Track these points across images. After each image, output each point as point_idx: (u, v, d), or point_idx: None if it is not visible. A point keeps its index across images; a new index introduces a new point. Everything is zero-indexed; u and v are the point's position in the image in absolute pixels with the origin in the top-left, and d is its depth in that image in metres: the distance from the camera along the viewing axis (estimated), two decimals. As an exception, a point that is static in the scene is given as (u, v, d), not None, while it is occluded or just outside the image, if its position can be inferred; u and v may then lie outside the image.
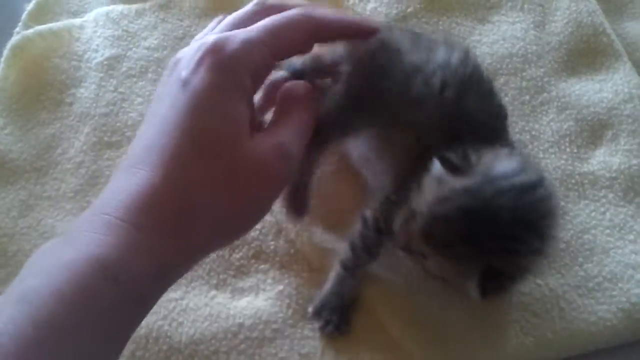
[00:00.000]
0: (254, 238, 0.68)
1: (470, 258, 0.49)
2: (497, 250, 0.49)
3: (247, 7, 0.53)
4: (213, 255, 0.67)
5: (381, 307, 0.62)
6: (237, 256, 0.67)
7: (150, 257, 0.40)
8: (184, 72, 0.45)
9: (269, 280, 0.66)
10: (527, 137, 0.71)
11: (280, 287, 0.65)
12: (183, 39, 0.81)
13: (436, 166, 0.50)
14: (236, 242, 0.68)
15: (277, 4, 0.52)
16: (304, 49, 0.52)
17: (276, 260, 0.67)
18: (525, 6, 0.80)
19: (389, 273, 0.63)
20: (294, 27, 0.49)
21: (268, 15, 0.50)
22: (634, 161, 0.68)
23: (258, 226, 0.68)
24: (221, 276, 0.66)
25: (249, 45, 0.46)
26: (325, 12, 0.51)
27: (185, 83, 0.44)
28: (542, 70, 0.75)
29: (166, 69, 0.49)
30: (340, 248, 0.63)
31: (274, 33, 0.47)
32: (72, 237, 0.39)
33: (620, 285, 0.62)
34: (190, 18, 0.83)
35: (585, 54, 0.77)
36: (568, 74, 0.76)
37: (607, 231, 0.65)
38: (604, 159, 0.69)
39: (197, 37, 0.54)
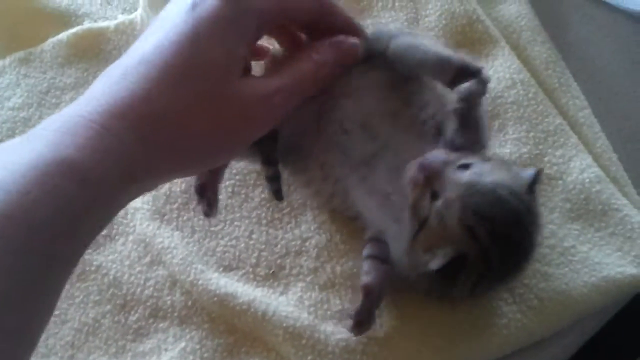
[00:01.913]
0: (148, 296, 0.64)
1: (473, 239, 0.50)
2: (495, 255, 0.50)
3: None
4: (108, 322, 0.63)
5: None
6: (134, 318, 0.63)
7: (121, 164, 0.40)
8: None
9: (170, 339, 0.62)
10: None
11: (183, 344, 0.62)
12: (48, 92, 0.76)
13: (530, 172, 0.54)
14: (131, 303, 0.64)
15: None
16: (309, 16, 0.52)
17: (175, 316, 0.63)
18: (397, 4, 0.77)
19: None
20: None
21: None
22: (524, 149, 0.67)
23: (151, 282, 0.65)
24: (119, 343, 0.63)
25: None
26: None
27: (194, 6, 0.43)
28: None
29: None
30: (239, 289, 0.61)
31: None
32: (38, 136, 0.38)
33: (526, 281, 0.61)
34: (53, 69, 0.78)
35: (463, 44, 0.75)
36: (448, 68, 0.73)
37: (507, 226, 0.63)
38: (495, 151, 0.67)
39: None
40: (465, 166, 0.52)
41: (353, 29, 0.54)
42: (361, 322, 0.57)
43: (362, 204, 0.60)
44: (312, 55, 0.51)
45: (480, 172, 0.51)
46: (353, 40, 0.53)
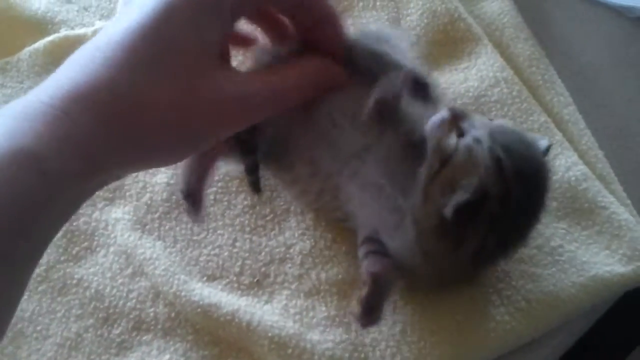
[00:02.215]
0: (131, 308, 0.63)
1: (499, 174, 0.49)
2: (515, 196, 0.50)
3: None
4: (91, 336, 0.62)
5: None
6: (117, 332, 0.62)
7: (82, 151, 0.37)
8: None
9: (154, 352, 0.61)
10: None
11: (167, 357, 0.61)
12: (26, 103, 0.74)
13: (543, 143, 0.55)
14: (113, 316, 0.63)
15: None
16: (289, 7, 0.50)
17: (158, 328, 0.62)
18: (378, 4, 0.76)
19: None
20: None
21: None
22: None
23: (134, 294, 0.64)
24: (103, 357, 0.62)
25: None
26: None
27: None
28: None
29: None
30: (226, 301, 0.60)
31: None
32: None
33: (513, 283, 0.60)
34: (30, 78, 0.77)
35: (445, 43, 0.74)
36: (431, 68, 0.73)
37: (493, 227, 0.63)
38: (479, 151, 0.66)
39: None
40: (490, 120, 0.54)
41: (333, 21, 0.52)
42: (371, 309, 0.53)
43: (355, 200, 0.58)
44: (300, 69, 0.49)
45: (505, 122, 0.53)
46: (338, 69, 0.52)
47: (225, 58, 0.44)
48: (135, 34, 0.40)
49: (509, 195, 0.50)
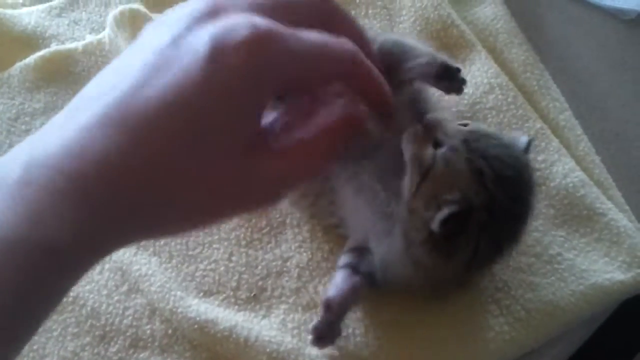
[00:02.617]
0: (127, 325, 0.62)
1: (481, 183, 0.49)
2: (500, 202, 0.50)
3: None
4: (88, 355, 0.62)
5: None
6: (114, 349, 0.62)
7: (95, 245, 0.34)
8: (212, 43, 0.36)
9: (152, 369, 0.60)
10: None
11: (165, 374, 0.60)
12: (17, 119, 0.74)
13: (524, 139, 0.55)
14: (110, 334, 0.62)
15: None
16: (325, 84, 0.45)
17: (155, 345, 0.62)
18: (370, 11, 0.76)
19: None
20: (339, 61, 0.41)
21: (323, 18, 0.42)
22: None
23: (130, 311, 0.63)
24: (100, 376, 0.61)
25: (299, 59, 0.39)
26: (371, 66, 0.43)
27: (212, 58, 0.35)
28: (398, 76, 0.71)
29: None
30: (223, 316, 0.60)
31: (322, 54, 0.40)
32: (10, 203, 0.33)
33: (512, 292, 0.59)
34: (21, 94, 0.76)
35: (438, 50, 0.73)
36: (425, 76, 0.72)
37: (491, 236, 0.62)
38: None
39: None
40: (463, 125, 0.53)
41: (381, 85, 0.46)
42: (320, 337, 0.56)
43: (349, 204, 0.59)
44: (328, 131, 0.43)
45: (480, 126, 0.52)
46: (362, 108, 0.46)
47: (258, 138, 0.40)
48: (162, 110, 0.35)
49: (493, 202, 0.49)
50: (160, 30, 0.39)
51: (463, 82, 0.56)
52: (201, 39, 0.36)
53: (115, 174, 0.34)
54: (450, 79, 0.56)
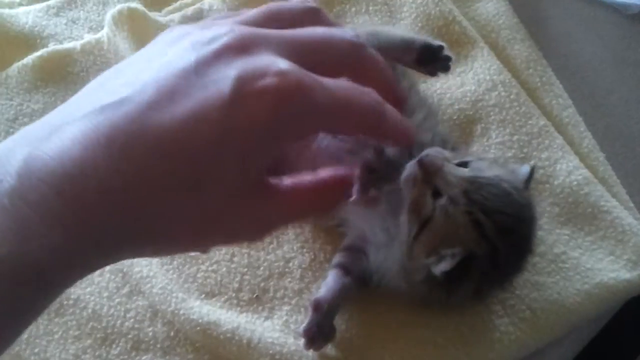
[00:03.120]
0: (129, 328, 0.62)
1: (482, 235, 0.49)
2: (502, 250, 0.49)
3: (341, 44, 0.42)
4: (89, 358, 0.61)
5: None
6: (116, 352, 0.61)
7: (81, 267, 0.34)
8: (237, 83, 0.34)
9: (154, 372, 0.60)
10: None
11: (167, 377, 0.59)
12: (16, 120, 0.74)
13: (525, 168, 0.54)
14: (112, 336, 0.62)
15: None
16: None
17: (157, 347, 0.61)
18: (370, 8, 0.75)
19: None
20: (363, 114, 0.40)
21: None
22: (509, 153, 0.65)
23: (132, 313, 0.63)
24: (102, 379, 0.60)
25: (323, 114, 0.37)
26: (394, 113, 0.42)
27: (234, 100, 0.34)
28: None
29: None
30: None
31: (346, 109, 0.39)
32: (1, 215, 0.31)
33: (517, 292, 0.59)
34: (20, 95, 0.75)
35: (440, 47, 0.72)
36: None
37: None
38: (479, 157, 0.65)
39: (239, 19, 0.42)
40: (464, 164, 0.51)
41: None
42: (312, 338, 0.56)
43: (351, 209, 0.58)
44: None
45: (480, 168, 0.50)
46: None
47: (262, 181, 0.39)
48: (173, 143, 0.34)
49: (495, 251, 0.49)
50: (183, 46, 0.37)
51: (448, 59, 0.56)
52: (226, 76, 0.34)
53: (114, 204, 0.33)
54: (434, 60, 0.55)
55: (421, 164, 0.50)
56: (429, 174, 0.50)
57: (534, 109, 0.67)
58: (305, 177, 0.42)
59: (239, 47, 0.36)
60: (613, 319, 0.61)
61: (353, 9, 0.75)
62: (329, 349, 0.58)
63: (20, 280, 0.32)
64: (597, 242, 0.61)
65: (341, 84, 0.39)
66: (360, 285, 0.59)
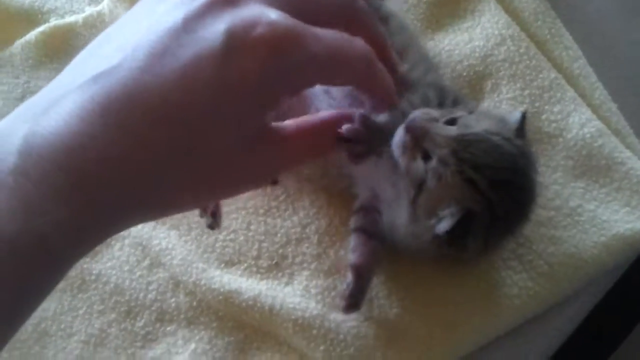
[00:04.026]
0: (152, 300, 0.63)
1: (476, 191, 0.48)
2: (499, 204, 0.49)
3: None
4: (115, 331, 0.62)
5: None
6: (141, 324, 0.62)
7: (89, 239, 0.35)
8: (228, 37, 0.34)
9: (180, 341, 0.61)
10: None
11: (193, 346, 0.61)
12: (24, 98, 0.73)
13: (515, 115, 0.53)
14: (135, 309, 0.63)
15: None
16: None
17: (181, 318, 0.62)
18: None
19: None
20: (354, 64, 0.40)
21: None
22: (521, 108, 0.65)
23: (154, 285, 0.63)
24: (129, 351, 0.62)
25: (315, 63, 0.37)
26: (381, 71, 0.42)
27: (226, 55, 0.34)
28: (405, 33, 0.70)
29: None
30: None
31: (337, 58, 0.39)
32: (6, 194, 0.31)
33: (534, 247, 0.59)
34: (26, 72, 0.75)
35: (446, 3, 0.72)
36: (433, 30, 0.71)
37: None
38: (490, 113, 0.65)
39: None
40: (452, 121, 0.51)
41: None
42: (355, 303, 0.56)
43: (359, 167, 0.58)
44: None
45: (468, 124, 0.50)
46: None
47: (262, 130, 0.39)
48: (167, 104, 0.33)
49: (492, 205, 0.49)
50: (171, 3, 0.36)
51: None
52: (216, 30, 0.34)
53: (116, 171, 0.33)
54: None
55: (408, 129, 0.50)
56: (417, 138, 0.50)
57: (544, 62, 0.67)
58: (307, 119, 0.42)
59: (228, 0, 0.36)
60: (629, 269, 0.61)
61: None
62: (350, 320, 0.58)
63: (30, 256, 0.32)
64: (612, 193, 0.61)
65: (333, 34, 0.39)
66: (384, 243, 0.59)
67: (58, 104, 0.33)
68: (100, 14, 0.75)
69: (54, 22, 0.76)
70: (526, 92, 0.65)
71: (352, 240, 0.59)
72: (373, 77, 0.42)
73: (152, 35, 0.34)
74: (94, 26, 0.75)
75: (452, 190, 0.49)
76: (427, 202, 0.50)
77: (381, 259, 0.59)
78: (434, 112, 0.52)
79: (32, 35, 0.75)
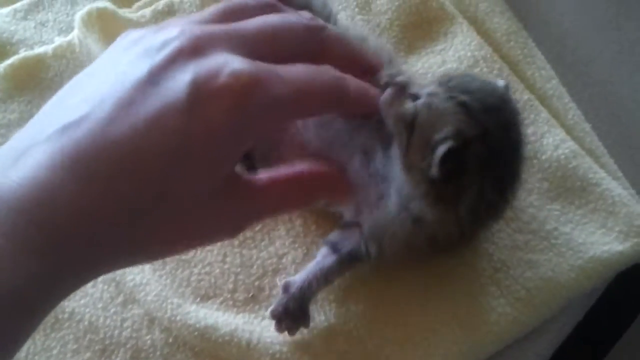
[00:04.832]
0: (127, 337, 0.62)
1: (469, 115, 0.47)
2: (493, 130, 0.48)
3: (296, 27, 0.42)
4: (89, 370, 0.61)
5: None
6: (116, 362, 0.61)
7: (60, 290, 0.35)
8: (193, 88, 0.34)
9: (156, 379, 0.60)
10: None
11: (169, 383, 0.59)
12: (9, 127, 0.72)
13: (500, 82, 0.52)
14: (110, 347, 0.61)
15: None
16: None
17: (157, 355, 0.61)
18: (345, -9, 0.73)
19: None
20: (324, 95, 0.40)
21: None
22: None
23: (128, 322, 0.62)
24: (105, 391, 0.60)
25: (282, 105, 0.37)
26: (358, 83, 0.43)
27: (191, 106, 0.34)
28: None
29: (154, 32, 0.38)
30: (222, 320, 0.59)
31: (306, 95, 0.39)
32: None
33: (511, 272, 0.59)
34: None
35: (419, 25, 0.71)
36: (406, 53, 0.70)
37: (486, 215, 0.61)
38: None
39: (195, 17, 0.41)
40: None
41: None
42: (278, 319, 0.57)
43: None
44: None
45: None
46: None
47: (230, 179, 0.39)
48: (134, 155, 0.34)
49: (486, 132, 0.48)
50: (136, 54, 0.37)
51: None
52: (181, 81, 0.34)
53: (87, 222, 0.33)
54: None
55: (392, 83, 0.49)
56: (403, 87, 0.49)
57: (517, 83, 0.67)
58: (281, 171, 0.42)
59: (191, 50, 0.36)
60: (607, 290, 0.61)
61: (326, -7, 0.73)
62: (332, 340, 0.57)
63: (4, 308, 0.32)
64: (587, 215, 0.61)
65: (297, 72, 0.39)
66: (350, 263, 0.58)
67: (27, 155, 0.33)
68: (70, 44, 0.74)
69: (23, 53, 0.75)
70: (500, 113, 0.65)
71: (318, 254, 0.59)
72: (348, 102, 0.42)
73: (119, 86, 0.35)
74: (64, 57, 0.74)
75: (445, 117, 0.47)
76: (420, 138, 0.48)
77: (332, 277, 0.58)
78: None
79: (1, 67, 0.74)
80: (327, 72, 0.41)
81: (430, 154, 0.48)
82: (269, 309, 0.57)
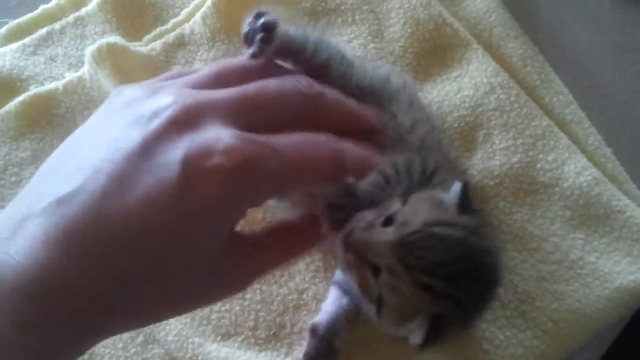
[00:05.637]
0: (148, 379, 0.61)
1: (436, 295, 0.46)
2: (464, 296, 0.47)
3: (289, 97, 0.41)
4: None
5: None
6: (137, 404, 0.60)
7: (64, 357, 0.35)
8: (185, 165, 0.34)
9: (180, 422, 0.59)
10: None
11: None
12: (6, 170, 0.71)
13: (454, 189, 0.49)
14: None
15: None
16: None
17: (180, 397, 0.60)
18: (357, 17, 0.73)
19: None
20: (320, 168, 0.40)
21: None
22: (514, 158, 0.64)
23: (150, 363, 0.61)
24: None
25: (277, 179, 0.37)
26: (356, 153, 0.42)
27: (184, 183, 0.34)
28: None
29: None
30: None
31: (300, 169, 0.39)
32: None
33: (537, 303, 0.58)
34: (6, 144, 0.73)
35: (433, 52, 0.71)
36: (421, 81, 0.70)
37: (508, 245, 0.61)
38: (484, 165, 0.64)
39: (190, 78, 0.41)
40: (388, 220, 0.47)
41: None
42: None
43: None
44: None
45: (405, 220, 0.47)
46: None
47: (229, 244, 0.39)
48: (128, 233, 0.34)
49: (457, 300, 0.47)
50: (128, 122, 0.37)
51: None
52: (173, 158, 0.34)
53: (84, 298, 0.33)
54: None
55: (347, 246, 0.48)
56: (359, 254, 0.47)
57: (536, 109, 0.66)
58: (278, 224, 0.43)
59: (183, 121, 0.36)
60: (633, 319, 0.60)
61: (339, 20, 0.73)
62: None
63: None
64: (612, 243, 0.60)
65: (294, 141, 0.39)
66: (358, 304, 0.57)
67: (23, 227, 0.34)
68: (80, 80, 0.74)
69: (33, 90, 0.74)
70: (519, 141, 0.64)
71: (328, 296, 0.59)
72: (345, 173, 0.41)
73: (112, 155, 0.35)
74: (75, 92, 0.74)
75: (412, 300, 0.46)
76: (391, 315, 0.48)
77: (351, 318, 0.58)
78: (369, 215, 0.48)
79: (12, 105, 0.73)
80: (324, 143, 0.40)
81: (404, 329, 0.48)
82: (302, 354, 0.57)
